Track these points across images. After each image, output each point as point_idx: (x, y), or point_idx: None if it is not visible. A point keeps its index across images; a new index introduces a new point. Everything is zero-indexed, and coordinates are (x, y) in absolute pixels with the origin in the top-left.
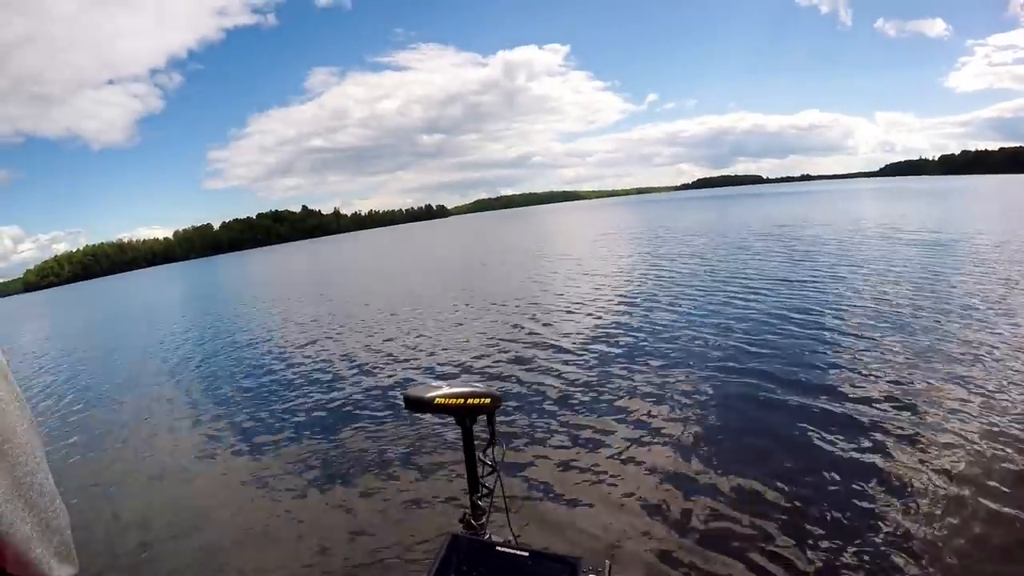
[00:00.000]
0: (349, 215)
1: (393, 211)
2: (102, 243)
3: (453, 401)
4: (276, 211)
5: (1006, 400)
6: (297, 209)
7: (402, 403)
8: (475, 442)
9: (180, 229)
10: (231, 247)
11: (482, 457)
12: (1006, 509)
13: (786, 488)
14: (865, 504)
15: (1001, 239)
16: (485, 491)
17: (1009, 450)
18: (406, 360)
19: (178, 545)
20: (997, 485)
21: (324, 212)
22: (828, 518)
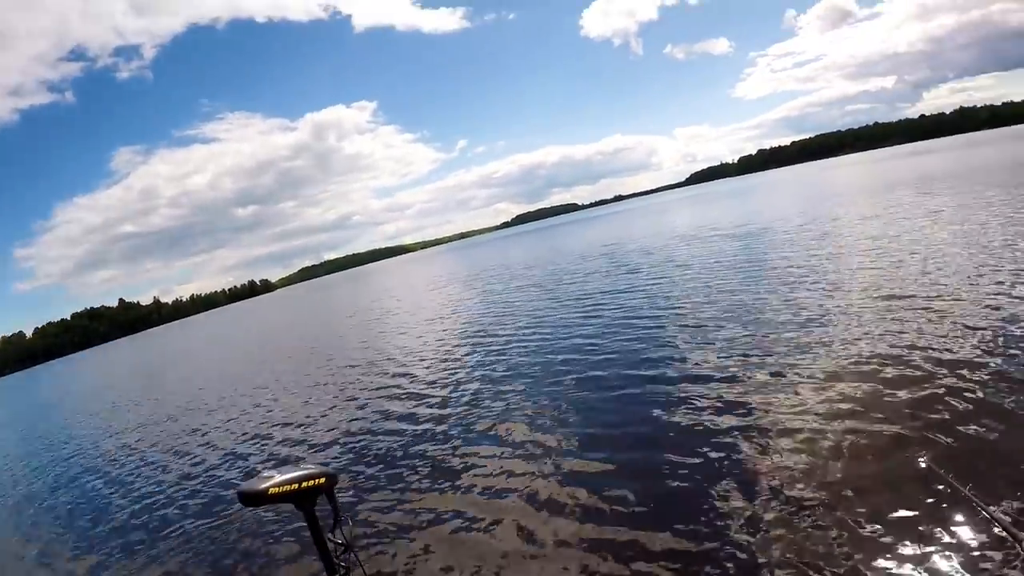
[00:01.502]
0: (170, 303)
1: (215, 293)
2: None
3: (288, 488)
4: (92, 308)
5: (834, 372)
6: (114, 303)
7: (238, 500)
8: (321, 524)
9: None
10: (48, 355)
11: (332, 537)
12: (839, 481)
13: (640, 490)
14: (714, 489)
15: (800, 220)
16: (343, 571)
17: (837, 421)
18: (238, 451)
19: None
20: (829, 459)
21: (143, 303)
22: (685, 509)
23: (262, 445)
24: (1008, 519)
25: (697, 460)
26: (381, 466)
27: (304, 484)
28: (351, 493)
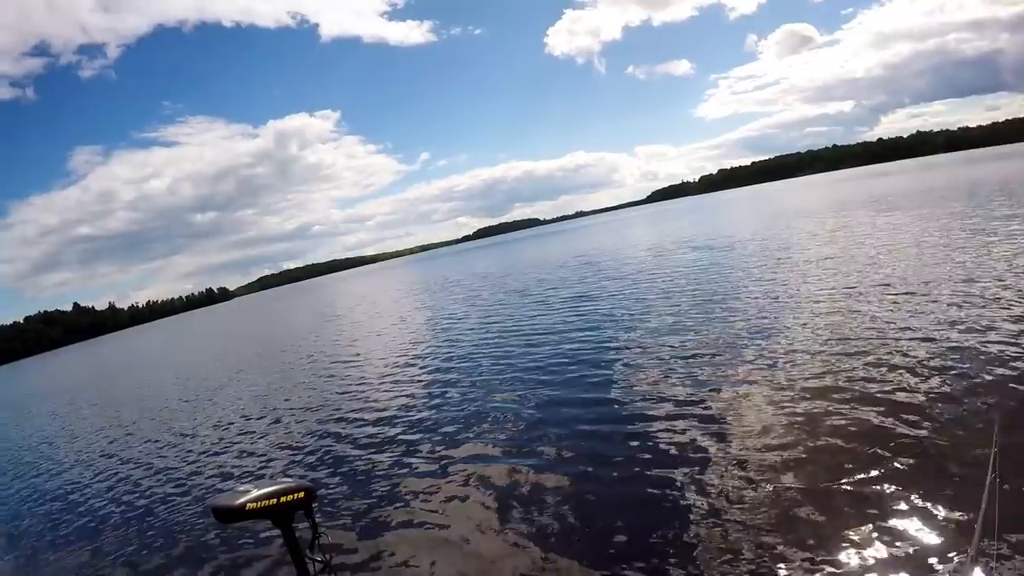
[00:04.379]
0: (126, 308)
1: (172, 299)
2: None
3: (265, 503)
4: (46, 312)
5: (791, 377)
6: (69, 307)
7: (210, 515)
8: (299, 541)
9: None
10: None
11: (310, 555)
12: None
13: (603, 495)
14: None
15: (759, 235)
16: None
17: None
18: (207, 465)
19: None
20: (785, 457)
21: (99, 308)
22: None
23: (230, 457)
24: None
25: (663, 458)
26: (356, 478)
27: (283, 499)
28: (327, 507)
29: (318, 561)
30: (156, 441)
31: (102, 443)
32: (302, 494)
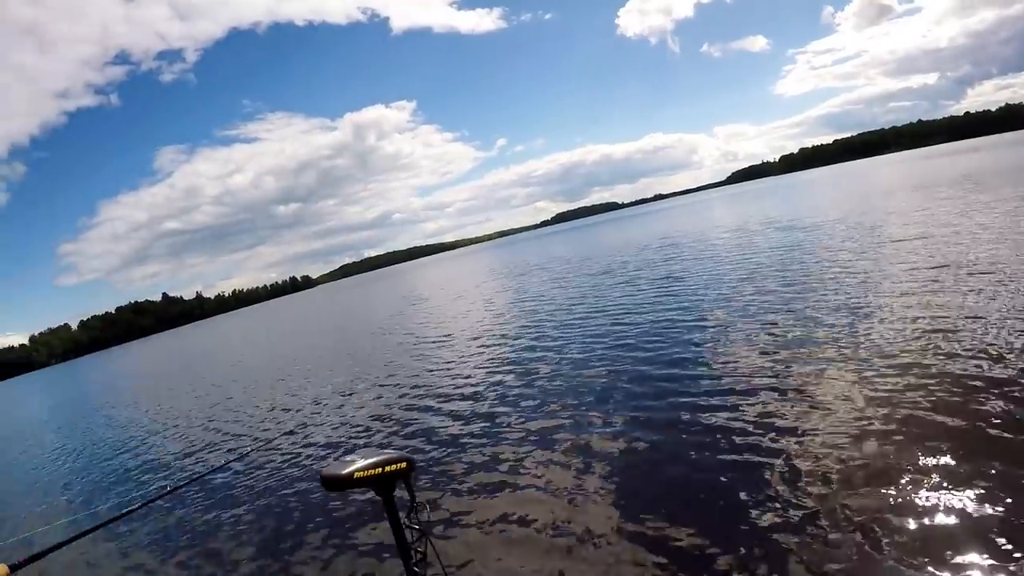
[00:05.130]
0: (212, 298)
1: (257, 288)
2: None
3: (371, 472)
4: (136, 302)
5: (877, 380)
6: (158, 298)
7: (318, 483)
8: (398, 509)
9: (36, 333)
10: (92, 346)
11: (408, 522)
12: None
13: (704, 497)
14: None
15: (844, 215)
16: (419, 556)
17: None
18: (305, 438)
19: None
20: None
21: (186, 298)
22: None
23: (329, 429)
24: None
25: (746, 458)
26: (450, 450)
27: (387, 468)
28: (423, 477)
29: (415, 528)
30: (262, 416)
31: (214, 417)
32: (404, 465)
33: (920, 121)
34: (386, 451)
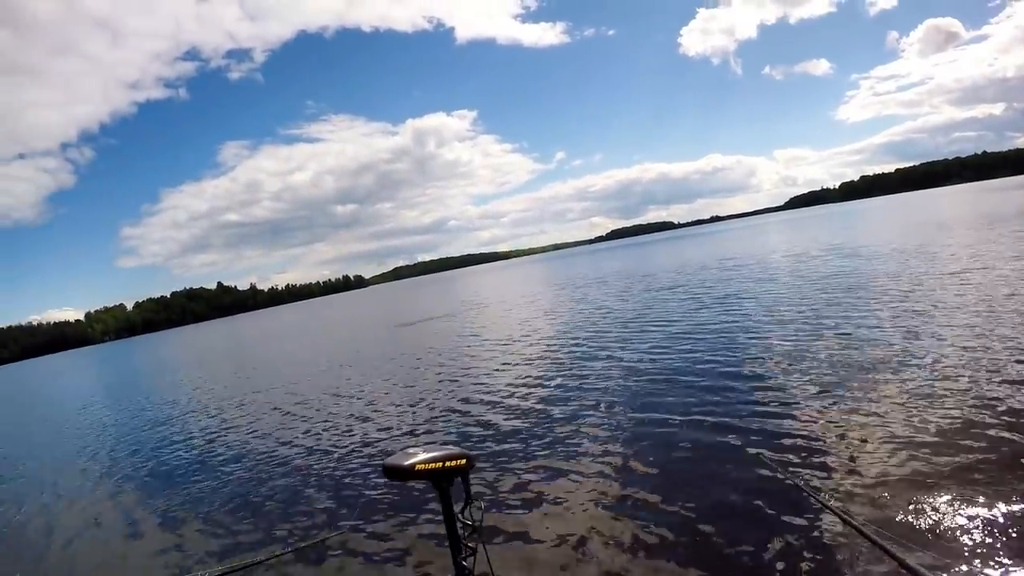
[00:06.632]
0: (266, 290)
1: (310, 284)
2: (10, 326)
3: (432, 466)
4: (191, 289)
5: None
6: (212, 286)
7: (380, 472)
8: (453, 504)
9: (92, 310)
10: (145, 328)
11: (462, 518)
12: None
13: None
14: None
15: (906, 246)
16: (469, 551)
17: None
18: (361, 430)
19: None
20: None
21: (240, 288)
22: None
23: (389, 420)
24: None
25: (802, 457)
26: (506, 451)
27: (446, 464)
28: (478, 475)
29: (468, 524)
30: (323, 406)
31: (277, 404)
32: (463, 461)
33: (985, 152)
34: (447, 447)
